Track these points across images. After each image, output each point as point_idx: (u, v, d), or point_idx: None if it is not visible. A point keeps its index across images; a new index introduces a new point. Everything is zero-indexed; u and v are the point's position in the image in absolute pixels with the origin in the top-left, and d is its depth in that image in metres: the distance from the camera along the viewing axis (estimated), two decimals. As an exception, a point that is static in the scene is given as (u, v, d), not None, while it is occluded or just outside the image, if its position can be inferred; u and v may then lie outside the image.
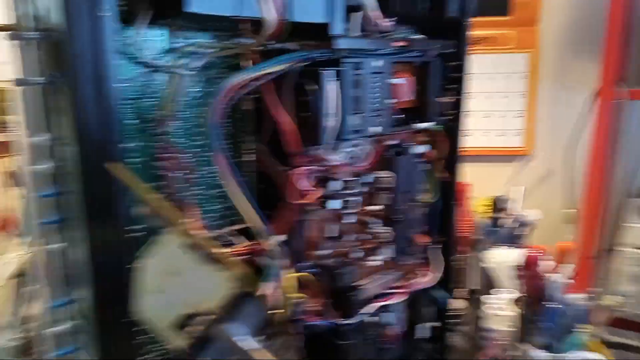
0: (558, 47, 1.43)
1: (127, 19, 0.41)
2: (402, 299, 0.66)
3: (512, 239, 1.15)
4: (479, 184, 1.14)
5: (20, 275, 1.07)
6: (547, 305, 0.71)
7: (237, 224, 0.54)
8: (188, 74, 0.46)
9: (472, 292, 1.01)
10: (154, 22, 0.43)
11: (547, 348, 0.75)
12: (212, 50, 0.48)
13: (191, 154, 0.50)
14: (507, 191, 1.48)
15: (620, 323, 1.00)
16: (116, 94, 0.38)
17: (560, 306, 0.70)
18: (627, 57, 1.20)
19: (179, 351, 0.18)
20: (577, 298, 0.74)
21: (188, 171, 0.48)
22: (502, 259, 1.04)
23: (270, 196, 0.54)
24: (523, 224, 1.17)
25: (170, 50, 0.47)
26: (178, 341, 0.18)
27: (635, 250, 0.99)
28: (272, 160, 0.55)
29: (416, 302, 0.71)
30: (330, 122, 0.52)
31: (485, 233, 1.15)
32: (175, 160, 0.46)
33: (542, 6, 1.43)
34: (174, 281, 0.19)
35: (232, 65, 0.53)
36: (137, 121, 0.45)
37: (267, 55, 0.51)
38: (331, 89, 0.51)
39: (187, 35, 0.48)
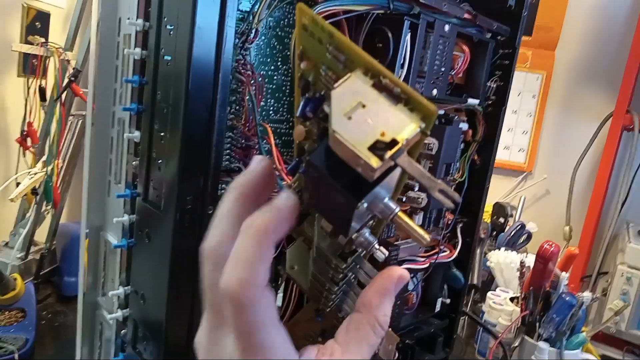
0: (570, 73, 1.48)
1: None
2: (424, 268, 0.67)
3: (512, 244, 1.18)
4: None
5: (34, 193, 1.04)
6: (560, 298, 0.72)
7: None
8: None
9: (472, 286, 1.03)
10: None
11: (551, 342, 0.77)
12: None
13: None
14: (508, 201, 1.52)
15: (604, 337, 1.02)
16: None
17: (574, 300, 0.72)
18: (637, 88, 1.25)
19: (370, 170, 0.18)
20: (585, 296, 0.76)
21: (258, 92, 0.48)
22: (502, 259, 1.07)
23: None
24: (523, 232, 1.20)
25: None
26: (372, 161, 0.19)
27: (629, 269, 1.02)
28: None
29: (434, 275, 0.72)
30: (401, 73, 0.53)
31: (487, 234, 1.17)
32: (250, 79, 0.46)
33: (561, 33, 1.48)
34: (364, 112, 0.19)
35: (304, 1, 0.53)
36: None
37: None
38: (408, 40, 0.52)
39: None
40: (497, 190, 1.51)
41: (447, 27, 0.57)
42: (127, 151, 0.46)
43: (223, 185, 0.48)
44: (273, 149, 0.47)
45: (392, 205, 0.23)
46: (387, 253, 0.27)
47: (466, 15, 0.60)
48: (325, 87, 0.23)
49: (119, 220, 0.43)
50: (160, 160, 0.40)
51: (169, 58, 0.41)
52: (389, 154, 0.20)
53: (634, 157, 1.22)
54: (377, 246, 0.26)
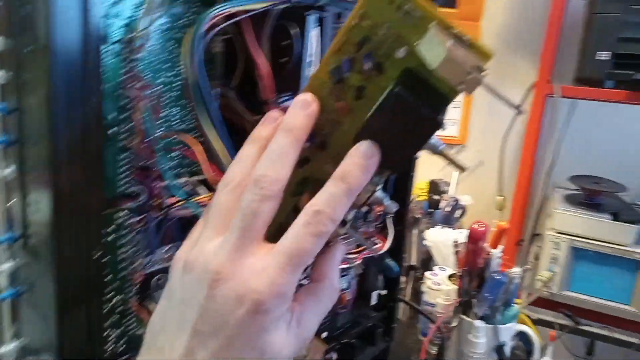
0: (497, 44, 1.50)
1: None
2: (357, 264, 0.66)
3: (448, 220, 1.20)
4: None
5: None
6: (491, 278, 0.74)
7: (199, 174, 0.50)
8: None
9: (411, 268, 1.04)
10: None
11: (486, 319, 0.79)
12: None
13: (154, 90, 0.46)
14: (442, 176, 1.55)
15: (538, 302, 1.06)
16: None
17: (504, 278, 0.73)
18: (559, 58, 1.28)
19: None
20: (515, 272, 0.77)
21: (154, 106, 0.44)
22: (439, 237, 1.08)
23: (236, 144, 0.51)
24: (457, 207, 1.22)
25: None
26: (482, 72, 0.27)
27: (557, 234, 1.06)
28: (241, 107, 0.51)
29: (368, 269, 0.71)
30: (309, 71, 0.49)
31: (423, 213, 1.18)
32: (142, 92, 0.42)
33: (485, 3, 1.49)
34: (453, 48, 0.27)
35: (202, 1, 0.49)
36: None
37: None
38: (315, 35, 0.48)
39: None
40: (434, 165, 1.52)
41: (357, 18, 0.54)
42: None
43: (121, 215, 0.44)
44: (200, 159, 0.43)
45: (439, 142, 0.30)
46: (397, 206, 0.34)
47: (378, 3, 0.58)
48: (381, 44, 0.28)
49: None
50: (35, 199, 0.35)
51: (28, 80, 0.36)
52: (485, 72, 0.26)
53: (558, 123, 1.25)
54: (387, 200, 0.32)
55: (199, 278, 0.28)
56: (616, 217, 1.03)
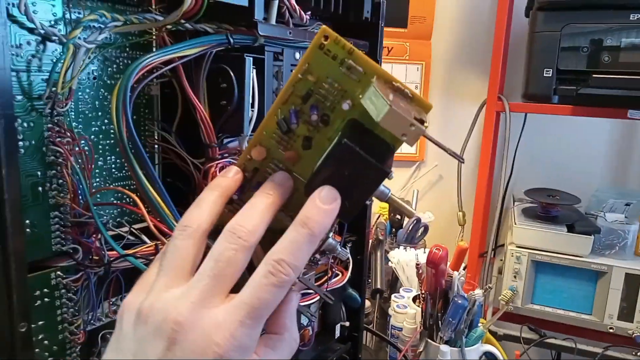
0: (447, 62, 1.53)
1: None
2: (316, 300, 0.64)
3: (411, 239, 1.20)
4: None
5: None
6: (454, 302, 0.73)
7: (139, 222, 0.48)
8: (85, 47, 0.40)
9: (377, 291, 1.03)
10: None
11: (452, 342, 0.78)
12: (115, 23, 0.42)
13: (86, 141, 0.44)
14: (403, 195, 1.56)
15: (503, 315, 1.07)
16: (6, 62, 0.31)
17: (466, 302, 0.73)
18: (506, 74, 1.32)
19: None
20: (477, 294, 0.77)
21: (86, 159, 0.42)
22: (403, 258, 1.08)
23: (176, 190, 0.49)
24: (419, 225, 1.22)
25: (65, 20, 0.40)
26: (422, 126, 0.27)
27: (518, 248, 1.07)
28: (183, 151, 0.50)
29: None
30: (251, 112, 0.49)
31: (386, 234, 1.18)
32: (71, 146, 0.40)
33: (434, 22, 1.53)
34: (395, 102, 0.28)
35: (135, 44, 0.48)
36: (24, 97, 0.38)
37: (176, 36, 0.47)
38: (253, 78, 0.47)
39: (86, 4, 0.42)
40: (394, 182, 1.53)
41: (297, 55, 0.54)
42: None
43: (54, 275, 0.42)
44: (162, 208, 0.41)
45: (386, 189, 0.31)
46: (348, 252, 0.35)
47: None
48: (326, 97, 0.30)
49: None
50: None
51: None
52: (426, 124, 0.27)
53: (510, 138, 1.28)
54: (339, 248, 0.32)
55: (156, 329, 0.26)
56: (572, 228, 1.05)
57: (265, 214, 0.29)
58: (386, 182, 0.30)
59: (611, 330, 1.02)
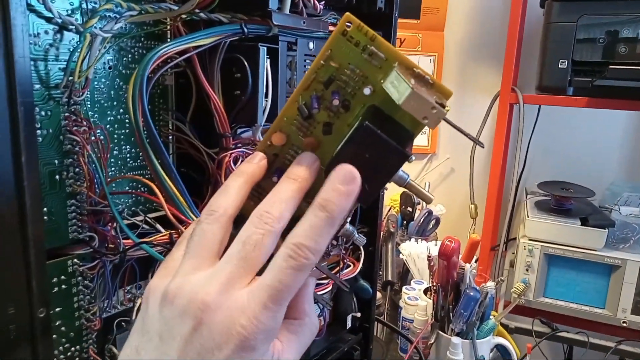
0: (460, 53, 1.51)
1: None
2: (328, 290, 0.65)
3: (422, 232, 1.19)
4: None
5: None
6: (465, 294, 0.73)
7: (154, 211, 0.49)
8: (102, 36, 0.40)
9: (388, 283, 1.03)
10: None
11: (463, 334, 0.78)
12: (131, 12, 0.43)
13: (102, 130, 0.44)
14: (418, 185, 1.55)
15: (515, 308, 1.06)
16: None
17: (477, 294, 0.73)
18: (520, 66, 1.30)
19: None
20: (489, 286, 0.77)
21: (102, 147, 0.42)
22: (414, 250, 1.08)
23: (190, 180, 0.49)
24: (431, 218, 1.22)
25: (82, 9, 0.40)
26: (444, 109, 0.28)
27: (530, 241, 1.07)
28: (197, 141, 0.50)
29: (341, 292, 0.70)
30: (265, 102, 0.49)
31: (397, 226, 1.18)
32: (87, 135, 0.40)
33: (447, 13, 1.51)
34: (417, 86, 0.28)
35: (150, 34, 0.48)
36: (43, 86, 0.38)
37: (191, 25, 0.47)
38: (267, 67, 0.47)
39: (103, -7, 0.42)
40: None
41: (311, 45, 0.54)
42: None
43: (71, 262, 0.42)
44: (177, 197, 0.41)
45: (405, 174, 0.31)
46: (365, 239, 0.35)
47: (331, 28, 0.57)
48: (347, 83, 0.30)
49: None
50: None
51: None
52: (447, 108, 0.27)
53: (523, 130, 1.27)
54: (356, 234, 0.32)
55: (183, 310, 0.26)
56: (586, 222, 1.04)
57: (290, 201, 0.29)
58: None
59: (624, 325, 1.01)
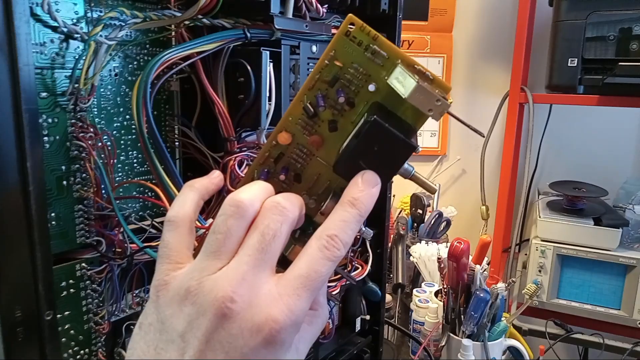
0: (469, 54, 1.51)
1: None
2: (336, 292, 0.64)
3: (433, 234, 1.19)
4: (397, 183, 1.17)
5: None
6: (475, 295, 0.73)
7: (161, 216, 0.49)
8: (106, 44, 0.41)
9: (398, 286, 1.02)
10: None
11: (475, 336, 0.77)
12: (134, 20, 0.43)
13: (108, 136, 0.45)
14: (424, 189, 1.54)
15: (528, 310, 1.05)
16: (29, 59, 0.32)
17: (488, 295, 0.72)
18: (529, 65, 1.29)
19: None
20: (500, 288, 0.76)
21: (108, 153, 0.43)
22: (424, 252, 1.07)
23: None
24: (441, 220, 1.21)
25: (87, 18, 0.41)
26: (448, 101, 0.29)
27: (543, 242, 1.05)
28: (203, 145, 0.51)
29: (350, 294, 0.70)
30: (269, 105, 0.49)
31: (407, 228, 1.17)
32: (94, 141, 0.41)
33: (455, 14, 1.51)
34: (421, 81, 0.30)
35: (155, 41, 0.48)
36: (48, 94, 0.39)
37: (194, 32, 0.47)
38: (270, 71, 0.48)
39: (107, 2, 0.43)
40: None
41: (314, 48, 0.54)
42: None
43: (79, 266, 0.43)
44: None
45: (410, 167, 0.32)
46: (372, 232, 0.39)
47: (334, 31, 0.57)
48: (351, 82, 0.31)
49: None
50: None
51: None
52: (450, 100, 0.29)
53: (534, 129, 1.26)
54: (364, 227, 0.36)
55: (207, 306, 0.25)
56: (600, 221, 1.02)
57: (300, 198, 0.31)
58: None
59: (641, 326, 1.00)
